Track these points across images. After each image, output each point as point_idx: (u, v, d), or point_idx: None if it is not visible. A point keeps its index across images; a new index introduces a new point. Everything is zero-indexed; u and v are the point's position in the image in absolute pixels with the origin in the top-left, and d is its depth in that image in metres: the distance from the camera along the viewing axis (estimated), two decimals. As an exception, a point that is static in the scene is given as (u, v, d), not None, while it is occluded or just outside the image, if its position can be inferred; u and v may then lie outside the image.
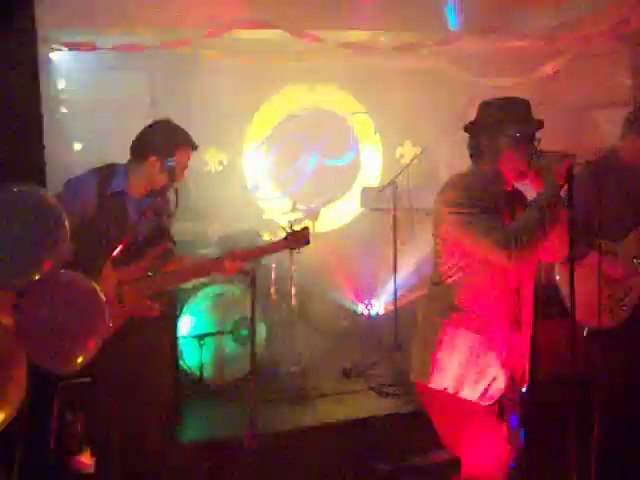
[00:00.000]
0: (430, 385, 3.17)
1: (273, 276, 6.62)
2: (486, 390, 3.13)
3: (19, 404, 1.94)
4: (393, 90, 7.39)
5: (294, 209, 6.59)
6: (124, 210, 3.61)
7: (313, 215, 6.86)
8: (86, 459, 2.74)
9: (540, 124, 3.24)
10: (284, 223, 4.20)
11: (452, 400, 3.13)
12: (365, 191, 7.06)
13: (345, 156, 8.16)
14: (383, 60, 6.94)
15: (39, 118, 3.28)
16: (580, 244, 4.24)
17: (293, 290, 6.49)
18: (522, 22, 6.07)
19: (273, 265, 6.63)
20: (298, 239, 3.98)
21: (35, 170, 3.05)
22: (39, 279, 2.07)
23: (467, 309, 3.13)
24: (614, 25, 5.59)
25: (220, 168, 7.46)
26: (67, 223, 2.24)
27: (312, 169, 7.96)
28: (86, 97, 7.13)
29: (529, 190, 3.26)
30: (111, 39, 6.16)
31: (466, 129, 3.31)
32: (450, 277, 3.19)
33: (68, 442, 2.73)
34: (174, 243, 3.97)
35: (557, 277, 4.48)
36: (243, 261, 3.86)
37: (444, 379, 3.14)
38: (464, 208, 3.07)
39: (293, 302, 6.48)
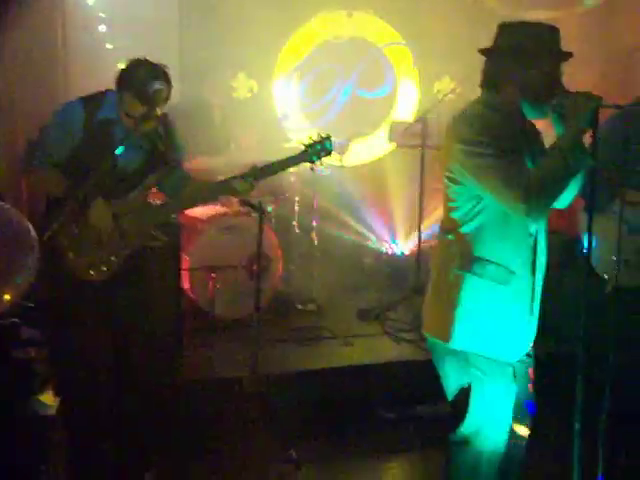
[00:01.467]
0: (452, 346, 2.94)
1: (296, 209, 6.42)
2: (517, 345, 2.95)
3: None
4: (433, 22, 7.04)
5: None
6: (112, 138, 3.42)
7: (342, 148, 6.60)
8: (47, 400, 2.63)
9: (569, 55, 2.90)
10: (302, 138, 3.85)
11: (472, 358, 2.93)
12: (394, 126, 6.75)
13: (380, 88, 7.80)
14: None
15: None
16: (603, 193, 3.98)
17: (314, 224, 6.30)
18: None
19: (296, 199, 6.42)
20: (319, 150, 3.66)
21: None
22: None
23: (490, 260, 2.87)
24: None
25: (249, 95, 7.18)
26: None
27: (345, 100, 7.65)
28: (119, 15, 6.91)
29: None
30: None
31: (484, 52, 2.95)
32: (466, 224, 2.91)
33: (30, 381, 2.60)
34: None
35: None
36: (257, 179, 3.61)
37: (466, 338, 2.91)
38: (481, 148, 2.75)
39: (314, 237, 6.30)
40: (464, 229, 2.91)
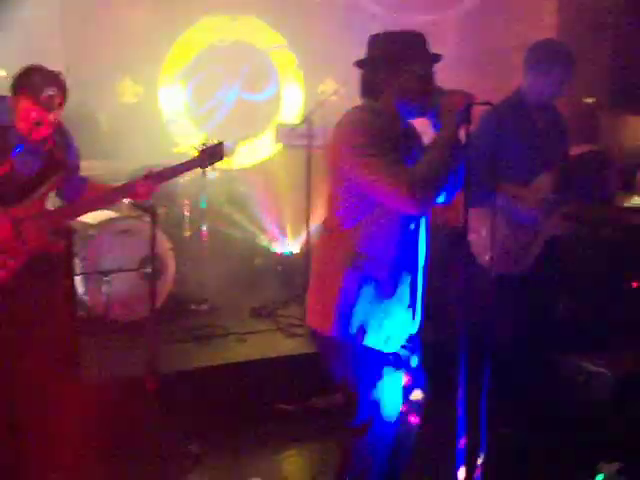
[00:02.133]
0: (332, 335, 3.09)
1: (185, 212, 6.52)
2: (396, 335, 3.11)
3: None
4: (316, 25, 7.26)
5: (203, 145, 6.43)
6: (6, 144, 3.47)
7: (229, 151, 6.71)
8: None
9: (438, 58, 3.12)
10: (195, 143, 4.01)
11: (353, 349, 3.08)
12: (280, 127, 6.94)
13: (265, 91, 7.99)
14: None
15: None
16: (482, 187, 4.26)
17: (204, 227, 6.41)
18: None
19: (186, 201, 6.52)
20: (212, 155, 3.86)
21: None
22: None
23: (370, 256, 3.04)
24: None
25: (136, 100, 7.22)
26: None
27: (231, 104, 7.79)
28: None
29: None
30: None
31: (359, 64, 3.13)
32: (349, 222, 3.06)
33: None
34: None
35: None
36: (155, 183, 3.74)
37: (347, 329, 3.06)
38: (364, 149, 2.91)
39: (204, 239, 6.41)
40: (346, 226, 3.05)
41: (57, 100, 3.44)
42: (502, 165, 4.22)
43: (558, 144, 4.40)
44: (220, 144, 3.87)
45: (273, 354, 5.13)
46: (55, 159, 3.70)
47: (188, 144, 6.70)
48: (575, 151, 5.63)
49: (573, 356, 4.86)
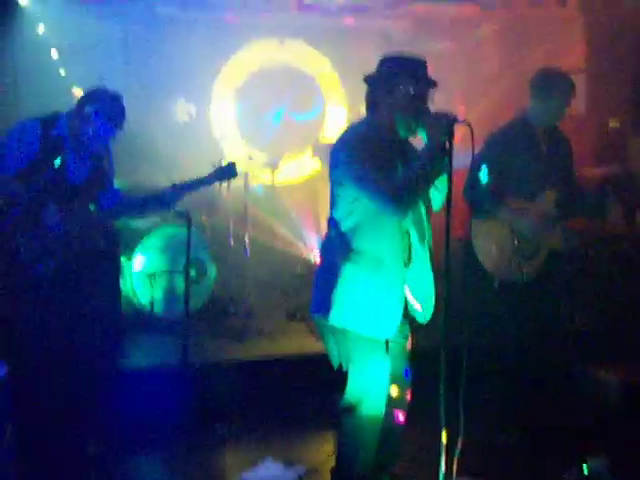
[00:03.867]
0: (332, 323, 3.49)
1: (230, 222, 6.99)
2: (387, 324, 3.45)
3: None
4: (354, 49, 7.66)
5: (250, 159, 6.92)
6: (63, 153, 4.05)
7: (273, 167, 7.20)
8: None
9: (433, 84, 3.47)
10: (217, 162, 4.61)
11: (349, 334, 3.47)
12: (316, 144, 7.38)
13: (311, 111, 8.45)
14: (344, 19, 7.22)
15: None
16: (488, 201, 4.63)
17: (246, 239, 6.86)
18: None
19: (231, 213, 6.98)
20: (224, 172, 4.44)
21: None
22: None
23: (364, 252, 3.43)
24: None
25: (188, 119, 7.74)
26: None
27: (278, 122, 8.27)
28: (69, 43, 7.44)
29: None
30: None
31: (365, 80, 3.54)
32: (346, 220, 3.46)
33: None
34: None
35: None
36: (179, 193, 4.31)
37: (343, 316, 3.46)
38: (356, 159, 3.33)
39: (247, 247, 6.85)
40: (343, 226, 3.48)
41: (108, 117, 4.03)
42: (508, 182, 4.61)
43: (561, 164, 4.71)
44: (232, 164, 4.48)
45: (299, 352, 5.52)
46: (101, 169, 4.28)
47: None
48: (598, 172, 5.96)
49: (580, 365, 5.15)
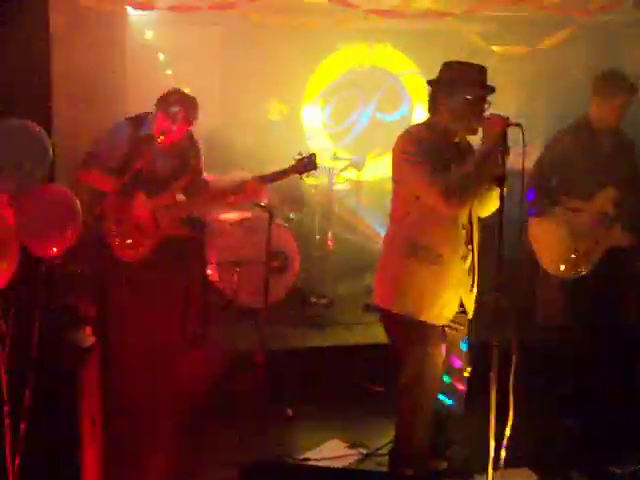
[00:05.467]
0: (393, 310, 3.79)
1: (316, 217, 7.34)
2: (440, 312, 3.74)
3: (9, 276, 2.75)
4: (443, 54, 7.82)
5: (334, 158, 7.23)
6: (151, 148, 4.47)
7: (358, 165, 7.48)
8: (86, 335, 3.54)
9: (491, 90, 3.72)
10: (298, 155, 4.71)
11: (409, 321, 3.75)
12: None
13: (397, 112, 8.71)
14: (425, 24, 7.46)
15: (46, 56, 3.75)
16: (545, 200, 4.80)
17: (330, 234, 7.17)
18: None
19: (317, 210, 7.34)
20: (305, 164, 4.62)
21: (41, 106, 3.61)
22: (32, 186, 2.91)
23: (424, 245, 3.70)
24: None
25: (280, 118, 8.10)
26: (50, 147, 3.01)
27: (365, 122, 8.56)
28: (173, 47, 7.97)
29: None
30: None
31: (428, 84, 3.83)
32: (406, 217, 3.75)
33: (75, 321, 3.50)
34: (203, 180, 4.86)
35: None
36: (260, 184, 4.63)
37: (405, 305, 3.74)
38: (412, 157, 3.61)
39: (329, 245, 7.17)
40: (404, 220, 3.77)
41: (180, 115, 4.36)
42: (567, 181, 4.76)
43: (624, 165, 4.80)
44: (313, 155, 4.65)
45: (373, 342, 5.77)
46: (185, 162, 4.65)
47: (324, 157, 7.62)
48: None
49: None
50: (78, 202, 3.08)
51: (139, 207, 4.52)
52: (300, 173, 4.64)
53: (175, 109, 4.40)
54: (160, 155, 4.56)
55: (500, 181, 3.50)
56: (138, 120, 4.61)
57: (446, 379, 3.91)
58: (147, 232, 4.53)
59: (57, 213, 2.96)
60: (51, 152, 2.95)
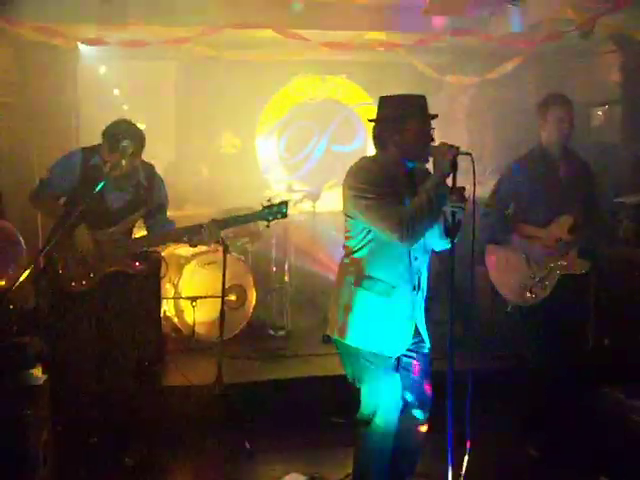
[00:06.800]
0: (346, 342, 3.78)
1: (273, 249, 7.33)
2: (398, 343, 3.73)
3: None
4: (395, 85, 7.93)
5: (290, 190, 7.25)
6: (98, 180, 4.28)
7: (314, 196, 7.50)
8: (37, 374, 3.46)
9: (433, 117, 3.71)
10: (264, 200, 4.64)
11: (363, 353, 3.73)
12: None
13: (352, 144, 8.78)
14: (378, 56, 7.54)
15: None
16: (501, 228, 4.85)
17: (287, 266, 7.16)
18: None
19: (273, 241, 7.32)
20: (273, 212, 4.50)
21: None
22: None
23: (376, 278, 3.68)
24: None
25: (234, 151, 8.11)
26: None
27: (320, 154, 8.61)
28: (127, 82, 7.96)
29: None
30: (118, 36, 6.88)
31: (371, 120, 3.79)
32: (359, 250, 3.73)
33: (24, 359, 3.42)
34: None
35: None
36: (220, 228, 4.49)
37: (358, 336, 3.73)
38: (362, 193, 3.57)
39: (286, 277, 7.16)
40: (357, 254, 3.74)
41: (129, 150, 4.31)
42: (523, 209, 4.81)
43: (579, 189, 4.82)
44: (284, 204, 4.54)
45: (332, 373, 5.70)
46: (140, 198, 4.58)
47: (280, 193, 7.62)
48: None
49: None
50: (21, 237, 3.02)
51: (82, 240, 4.41)
52: (268, 221, 4.55)
53: (124, 143, 4.33)
54: (113, 188, 4.47)
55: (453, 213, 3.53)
56: (92, 150, 4.53)
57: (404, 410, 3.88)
58: (91, 267, 4.45)
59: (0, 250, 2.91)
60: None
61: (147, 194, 4.65)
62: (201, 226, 4.44)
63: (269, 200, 4.61)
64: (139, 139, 4.43)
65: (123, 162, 4.32)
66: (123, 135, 4.34)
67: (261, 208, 4.54)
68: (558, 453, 4.62)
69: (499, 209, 4.84)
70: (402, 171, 3.76)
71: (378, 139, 3.79)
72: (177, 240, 4.77)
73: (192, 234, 4.46)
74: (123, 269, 4.50)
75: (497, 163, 5.91)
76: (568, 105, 4.78)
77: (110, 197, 4.48)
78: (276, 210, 4.51)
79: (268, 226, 4.67)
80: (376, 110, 3.81)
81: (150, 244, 4.82)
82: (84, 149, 4.56)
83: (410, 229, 3.50)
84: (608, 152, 7.06)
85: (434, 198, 3.54)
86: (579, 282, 4.82)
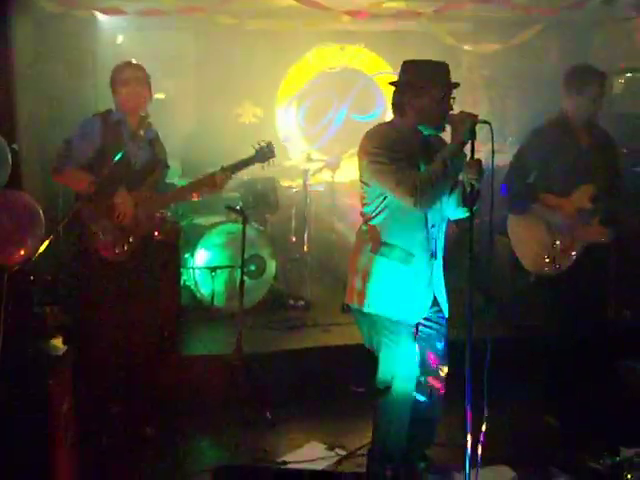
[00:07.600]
0: (365, 310, 3.79)
1: (292, 219, 7.33)
2: (415, 310, 3.74)
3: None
4: (415, 54, 7.87)
5: (309, 160, 7.23)
6: (122, 138, 4.44)
7: (333, 166, 7.48)
8: (57, 344, 3.49)
9: (455, 85, 3.70)
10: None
11: (381, 320, 3.76)
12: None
13: (372, 112, 8.72)
14: (398, 24, 7.46)
15: (9, 71, 3.69)
16: (523, 197, 4.81)
17: (306, 236, 7.16)
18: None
19: (293, 211, 7.33)
20: (265, 153, 4.85)
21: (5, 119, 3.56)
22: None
23: (393, 244, 3.70)
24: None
25: (254, 120, 8.08)
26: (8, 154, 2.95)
27: (340, 124, 8.56)
28: (144, 52, 7.89)
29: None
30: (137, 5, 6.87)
31: (392, 84, 3.78)
32: (376, 217, 3.73)
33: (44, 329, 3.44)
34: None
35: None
36: (226, 174, 4.66)
37: (376, 303, 3.75)
38: (378, 157, 3.58)
39: (305, 247, 7.17)
40: (374, 221, 3.75)
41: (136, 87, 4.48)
42: (545, 178, 4.76)
43: (601, 160, 4.78)
44: (270, 143, 4.86)
45: (351, 342, 5.72)
46: (156, 155, 4.66)
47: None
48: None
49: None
50: (40, 210, 3.03)
51: (121, 204, 4.43)
52: (261, 162, 4.83)
53: (131, 84, 4.44)
54: (133, 148, 4.49)
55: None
56: (106, 113, 4.54)
57: (422, 379, 3.89)
58: (128, 229, 4.46)
59: (17, 220, 2.91)
60: (9, 159, 2.90)
61: (160, 150, 4.73)
62: (213, 174, 4.64)
63: (259, 143, 4.86)
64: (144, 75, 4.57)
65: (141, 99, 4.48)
66: (129, 76, 4.48)
67: (253, 152, 4.84)
68: (576, 422, 4.62)
69: (520, 178, 4.80)
70: (418, 138, 3.75)
71: (397, 104, 3.77)
72: (197, 189, 4.82)
73: (207, 184, 4.66)
74: (150, 238, 4.57)
75: (518, 132, 5.83)
76: (603, 84, 4.71)
77: (131, 157, 4.50)
78: (266, 150, 4.85)
79: (263, 168, 5.00)
80: (397, 76, 3.78)
81: (176, 198, 4.99)
82: (99, 114, 4.57)
83: (424, 194, 3.50)
84: (629, 121, 6.95)
85: (450, 165, 3.54)
86: (601, 252, 4.80)
